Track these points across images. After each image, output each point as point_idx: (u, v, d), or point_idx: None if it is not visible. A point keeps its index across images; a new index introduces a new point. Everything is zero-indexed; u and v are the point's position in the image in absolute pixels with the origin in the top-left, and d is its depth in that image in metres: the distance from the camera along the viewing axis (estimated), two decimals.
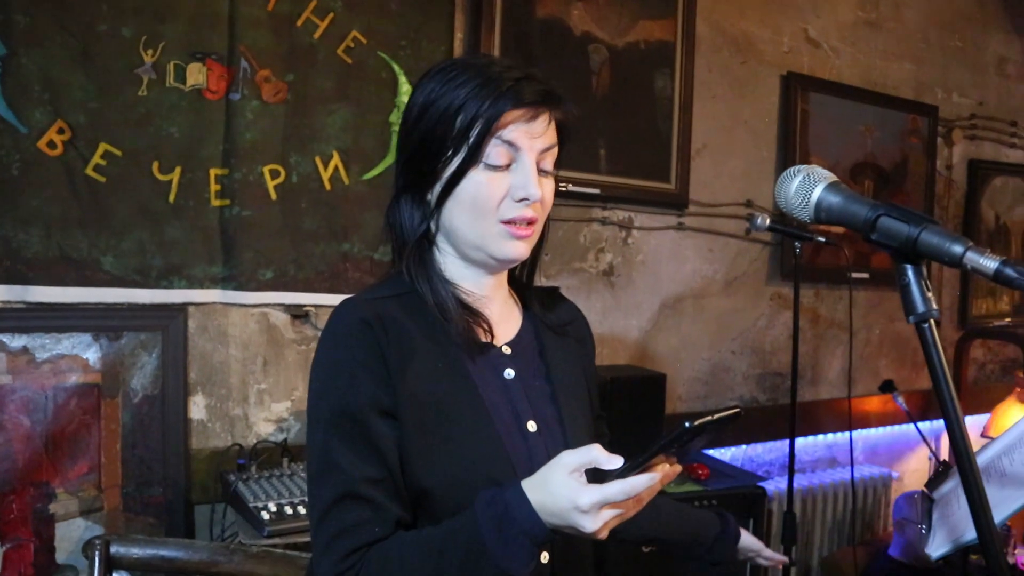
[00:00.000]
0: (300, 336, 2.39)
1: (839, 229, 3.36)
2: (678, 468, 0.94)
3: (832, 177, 0.90)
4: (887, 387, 2.86)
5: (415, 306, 1.08)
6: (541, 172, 1.07)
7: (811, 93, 3.36)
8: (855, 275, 3.49)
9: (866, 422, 3.64)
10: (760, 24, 3.25)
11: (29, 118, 2.01)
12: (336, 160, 2.36)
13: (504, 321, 1.16)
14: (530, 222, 1.07)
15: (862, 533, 3.48)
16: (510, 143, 1.04)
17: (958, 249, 0.80)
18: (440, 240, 1.12)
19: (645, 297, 3.02)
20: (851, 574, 3.03)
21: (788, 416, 2.52)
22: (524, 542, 0.92)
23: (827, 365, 3.56)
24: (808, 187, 0.89)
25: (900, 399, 2.77)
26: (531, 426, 1.10)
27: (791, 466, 2.50)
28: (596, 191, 2.80)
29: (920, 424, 2.82)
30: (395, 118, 2.44)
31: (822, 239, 2.48)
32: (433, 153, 1.06)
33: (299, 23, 2.29)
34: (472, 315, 1.10)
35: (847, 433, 3.54)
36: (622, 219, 2.94)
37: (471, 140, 1.03)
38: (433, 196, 1.08)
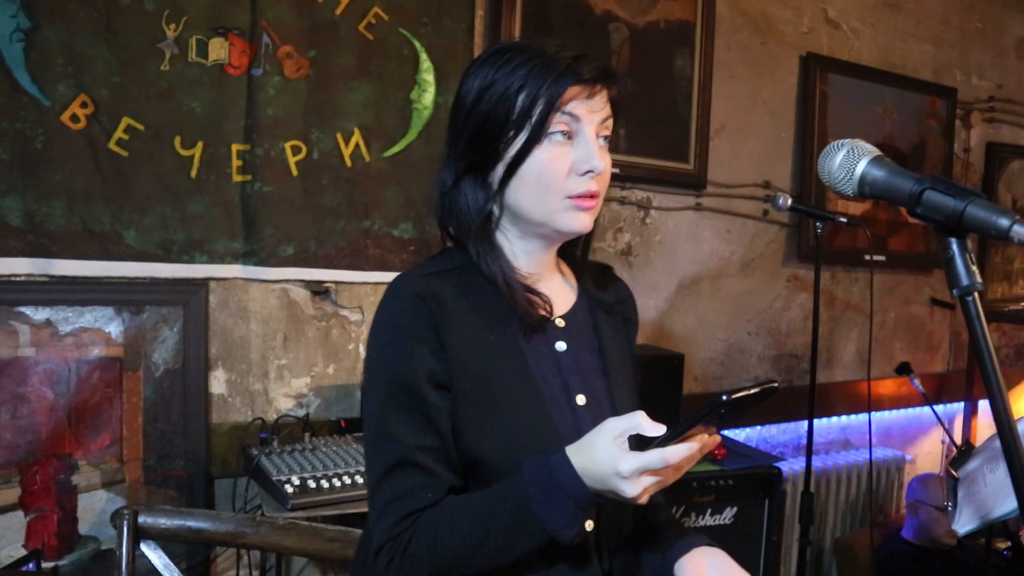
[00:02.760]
0: (320, 312, 2.40)
1: (857, 210, 3.36)
2: (717, 438, 0.96)
3: (876, 151, 0.90)
4: (903, 369, 2.86)
5: (467, 280, 1.10)
6: (600, 146, 1.08)
7: (830, 74, 3.34)
8: (871, 257, 3.48)
9: (880, 404, 3.64)
10: (780, 4, 3.23)
11: (52, 92, 2.01)
12: (357, 137, 2.36)
13: (558, 295, 1.18)
14: (593, 195, 1.08)
15: (874, 515, 3.49)
16: (572, 116, 1.05)
17: (1005, 222, 0.79)
18: (504, 221, 1.13)
19: (662, 277, 3.02)
20: (865, 556, 3.05)
21: (803, 398, 2.52)
22: (569, 505, 0.94)
23: (842, 347, 3.56)
24: (852, 161, 0.89)
25: (916, 381, 2.77)
26: (580, 399, 1.11)
27: (809, 447, 2.50)
28: (615, 170, 2.76)
29: (935, 407, 2.82)
30: (416, 95, 2.43)
31: (843, 219, 2.47)
32: (495, 135, 1.07)
33: None
34: (532, 294, 1.12)
35: (861, 415, 3.55)
36: (640, 199, 2.94)
37: (534, 118, 1.04)
38: (495, 177, 1.09)
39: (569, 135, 1.06)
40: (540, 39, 1.10)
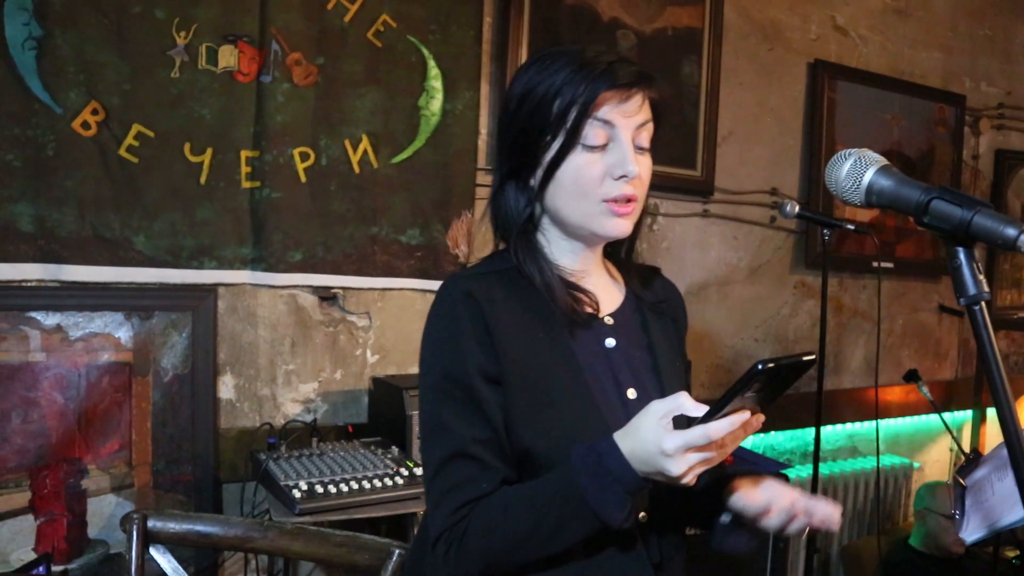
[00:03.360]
0: (328, 318, 2.41)
1: (865, 217, 3.35)
2: (761, 417, 0.96)
3: (883, 161, 0.90)
4: (911, 376, 2.85)
5: (516, 280, 1.13)
6: (638, 149, 1.10)
7: (838, 81, 3.34)
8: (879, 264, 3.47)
9: (888, 411, 3.63)
10: (788, 11, 3.23)
11: (64, 99, 2.02)
12: (365, 143, 2.37)
13: (605, 293, 1.20)
14: (630, 199, 1.09)
15: (882, 522, 3.48)
16: (606, 122, 1.07)
17: (1012, 232, 0.80)
18: (544, 222, 1.16)
19: None
20: (872, 563, 3.03)
21: (810, 405, 2.51)
22: (618, 489, 0.96)
23: (849, 354, 3.55)
24: (859, 170, 0.89)
25: (924, 388, 2.77)
26: (631, 393, 1.14)
27: (816, 453, 2.50)
28: None
29: (943, 414, 2.81)
30: (424, 102, 2.44)
31: (851, 226, 2.47)
32: (533, 140, 1.09)
33: (330, 6, 2.30)
34: (577, 291, 1.15)
35: (868, 422, 3.54)
36: (648, 206, 2.93)
37: (568, 124, 1.06)
38: (536, 181, 1.12)
39: (605, 141, 1.07)
40: (582, 44, 1.12)
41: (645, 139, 1.11)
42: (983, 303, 0.83)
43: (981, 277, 0.83)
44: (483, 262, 1.20)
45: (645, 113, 1.10)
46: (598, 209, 1.09)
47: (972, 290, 0.83)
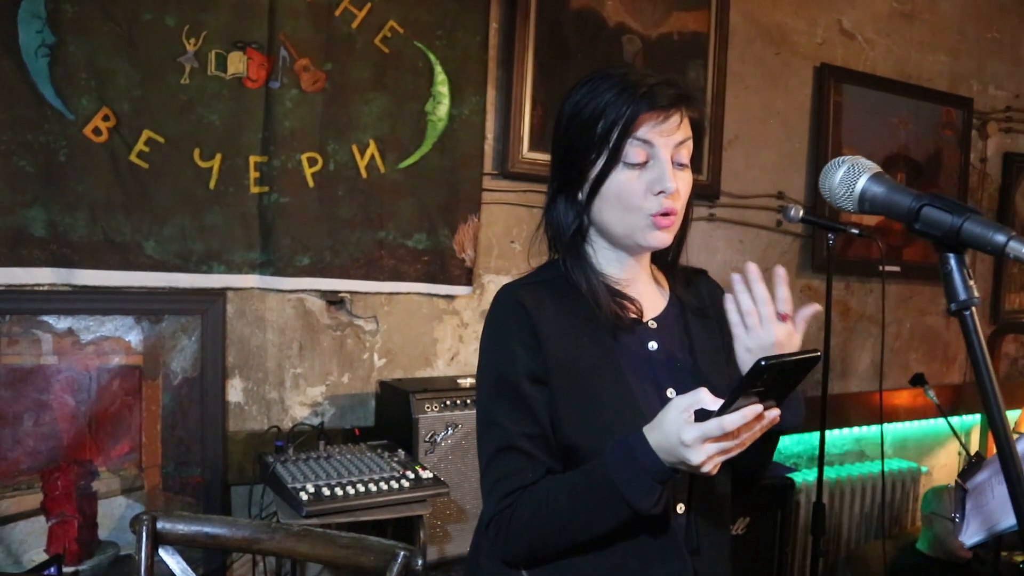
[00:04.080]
0: (335, 322, 2.43)
1: (872, 221, 3.35)
2: (776, 411, 1.00)
3: (876, 168, 0.92)
4: (918, 380, 2.85)
5: (564, 289, 1.22)
6: (677, 165, 1.17)
7: (844, 85, 3.34)
8: (886, 268, 3.47)
9: (895, 415, 3.62)
10: (794, 15, 3.24)
11: (76, 105, 2.05)
12: (372, 148, 2.39)
13: (650, 299, 1.27)
14: (669, 213, 1.16)
15: (890, 527, 3.47)
16: (645, 141, 1.14)
17: (1000, 239, 0.81)
18: (592, 233, 1.25)
19: None
20: (879, 567, 3.03)
21: (817, 408, 2.51)
22: (646, 479, 1.03)
23: (856, 358, 3.55)
24: (852, 177, 0.91)
25: (931, 392, 2.76)
26: (671, 393, 1.20)
27: (821, 458, 2.50)
28: None
29: (950, 418, 2.81)
30: (430, 107, 2.47)
31: (856, 231, 2.47)
32: (580, 157, 1.18)
33: (337, 13, 2.32)
34: (621, 298, 1.23)
35: (876, 426, 3.54)
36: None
37: (611, 143, 1.14)
38: (583, 195, 1.21)
39: (645, 159, 1.14)
40: (630, 66, 1.18)
41: (684, 156, 1.18)
42: (973, 308, 0.84)
43: (971, 283, 0.85)
44: (535, 271, 1.28)
45: (684, 131, 1.17)
46: (642, 223, 1.16)
47: (963, 295, 0.84)
